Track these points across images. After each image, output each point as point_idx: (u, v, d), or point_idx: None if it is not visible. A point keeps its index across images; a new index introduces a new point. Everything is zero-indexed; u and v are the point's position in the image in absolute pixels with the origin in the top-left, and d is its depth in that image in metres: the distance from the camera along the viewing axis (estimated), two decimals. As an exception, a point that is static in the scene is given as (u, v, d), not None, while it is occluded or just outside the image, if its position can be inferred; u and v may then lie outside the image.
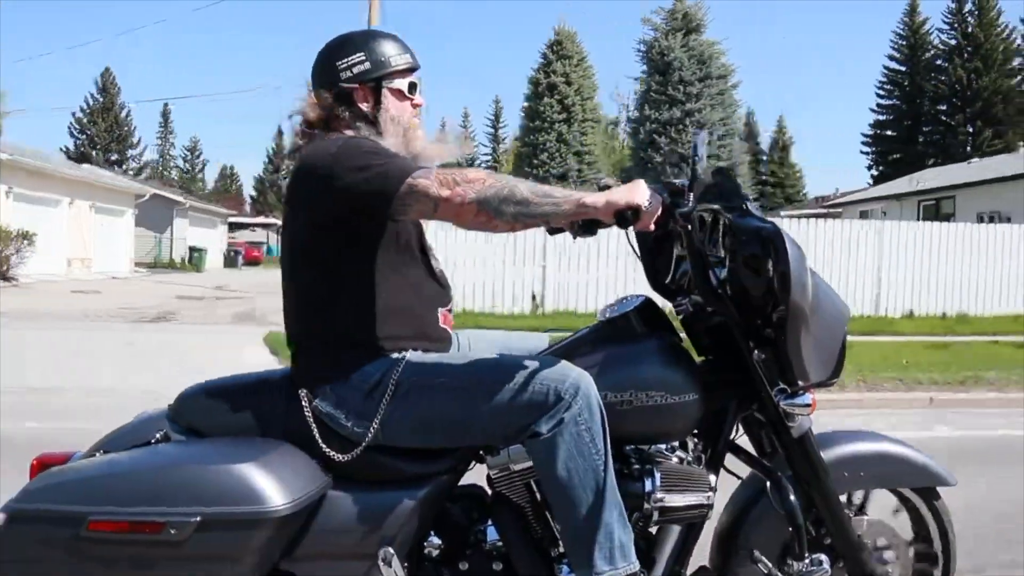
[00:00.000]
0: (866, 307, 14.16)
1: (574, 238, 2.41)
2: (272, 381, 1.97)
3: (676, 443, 2.02)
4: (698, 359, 2.06)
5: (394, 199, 1.74)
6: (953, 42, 43.82)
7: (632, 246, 2.25)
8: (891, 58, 46.80)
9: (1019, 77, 42.30)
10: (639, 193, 1.69)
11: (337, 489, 1.84)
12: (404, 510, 1.84)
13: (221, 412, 1.91)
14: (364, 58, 1.97)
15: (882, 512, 2.20)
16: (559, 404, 1.76)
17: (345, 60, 1.97)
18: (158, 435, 1.92)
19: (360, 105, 1.98)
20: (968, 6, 43.28)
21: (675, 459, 1.98)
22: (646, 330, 2.00)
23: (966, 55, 42.83)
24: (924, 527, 2.21)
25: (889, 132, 47.00)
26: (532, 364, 1.82)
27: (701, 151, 1.76)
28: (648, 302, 2.07)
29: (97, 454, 1.91)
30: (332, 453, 1.83)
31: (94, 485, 1.73)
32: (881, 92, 47.32)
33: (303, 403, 1.86)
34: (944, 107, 44.66)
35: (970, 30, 42.82)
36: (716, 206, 1.87)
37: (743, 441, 2.10)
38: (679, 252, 2.15)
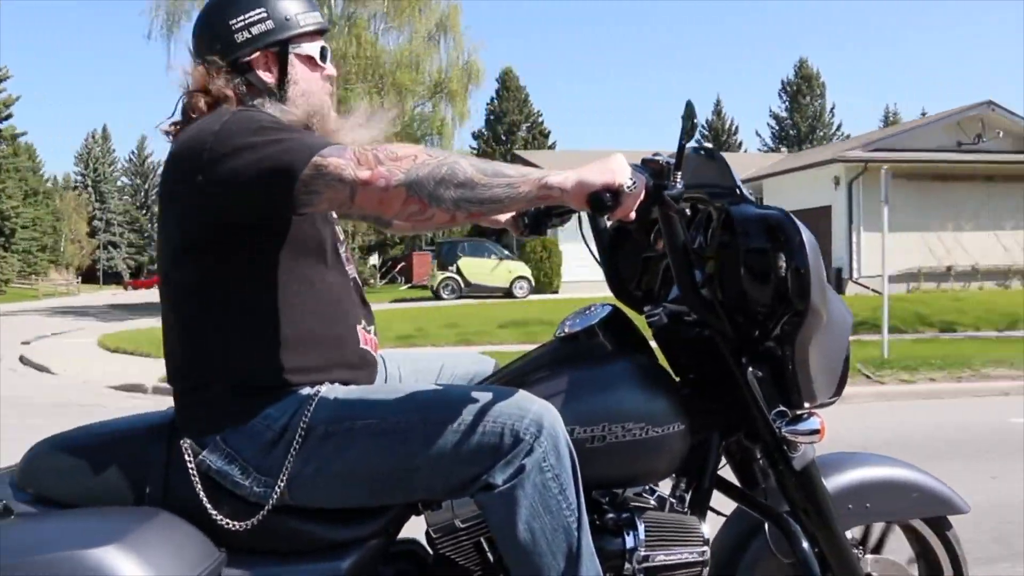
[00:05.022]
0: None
1: (519, 235, 2.02)
2: (150, 428, 1.55)
3: (654, 484, 1.69)
4: (676, 379, 1.73)
5: (296, 184, 1.35)
6: None
7: (586, 242, 1.89)
8: None
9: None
10: (619, 170, 1.32)
11: (234, 567, 1.44)
12: None
13: (82, 473, 1.48)
14: (266, 15, 1.57)
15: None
16: (518, 447, 1.39)
17: (242, 18, 1.56)
18: None
19: (262, 75, 1.58)
20: None
21: (658, 504, 1.64)
22: (616, 347, 1.65)
23: None
24: (935, 562, 1.92)
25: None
26: (482, 396, 1.44)
27: (694, 121, 1.41)
28: (616, 312, 1.72)
29: None
30: (225, 521, 1.42)
31: None
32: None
33: (186, 457, 1.45)
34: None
35: None
36: (704, 193, 1.53)
37: (725, 473, 1.77)
38: (648, 251, 1.81)
